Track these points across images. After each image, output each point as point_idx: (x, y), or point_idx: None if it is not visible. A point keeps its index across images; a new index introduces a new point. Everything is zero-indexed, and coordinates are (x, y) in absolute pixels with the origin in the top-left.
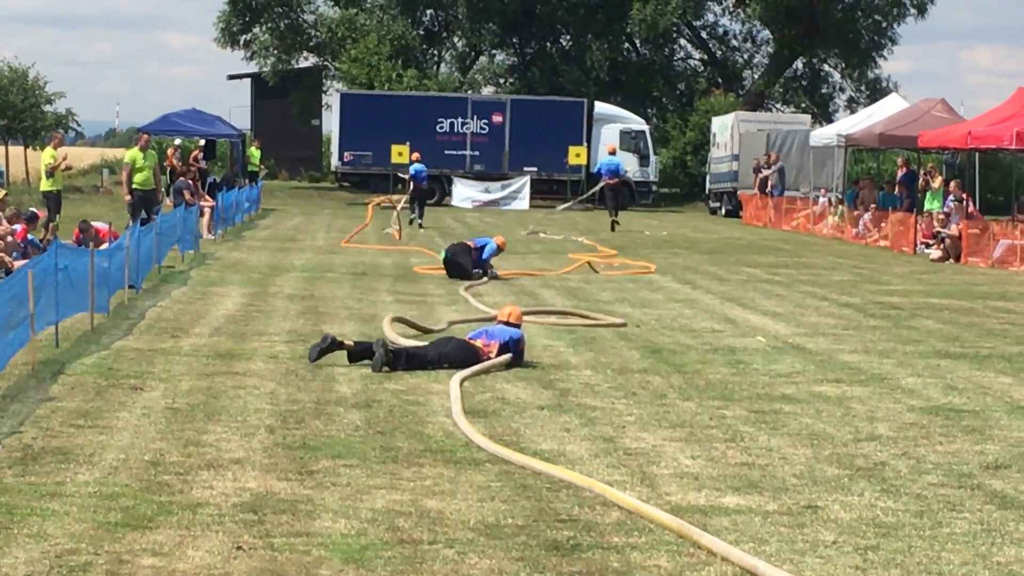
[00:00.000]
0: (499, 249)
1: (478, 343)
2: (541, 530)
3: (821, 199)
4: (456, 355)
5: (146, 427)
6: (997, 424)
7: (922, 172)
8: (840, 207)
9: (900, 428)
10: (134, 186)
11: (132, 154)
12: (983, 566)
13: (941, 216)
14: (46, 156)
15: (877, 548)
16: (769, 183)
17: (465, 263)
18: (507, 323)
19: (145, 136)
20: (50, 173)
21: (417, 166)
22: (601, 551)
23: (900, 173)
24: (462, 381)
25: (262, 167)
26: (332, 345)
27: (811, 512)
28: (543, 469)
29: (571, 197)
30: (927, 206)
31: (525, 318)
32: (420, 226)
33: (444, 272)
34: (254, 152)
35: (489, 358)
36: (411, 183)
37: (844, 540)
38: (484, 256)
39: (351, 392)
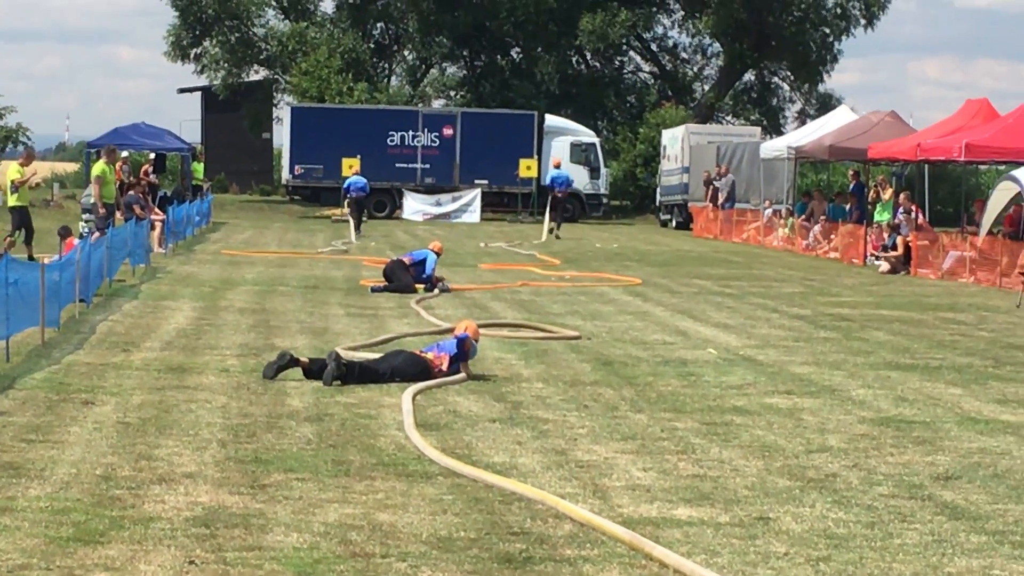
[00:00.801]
0: (438, 256)
1: (429, 355)
2: (493, 543)
3: (767, 211)
4: (408, 369)
5: (98, 441)
6: (948, 435)
7: (872, 184)
8: (790, 219)
9: (851, 439)
10: (103, 199)
11: (101, 167)
12: None
13: (889, 227)
14: (12, 172)
15: (829, 559)
16: (720, 196)
17: (404, 280)
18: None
19: (114, 149)
20: (15, 188)
21: (353, 178)
22: (553, 564)
23: (851, 185)
24: (414, 395)
25: (206, 181)
26: (289, 362)
27: (763, 524)
28: (495, 482)
29: (522, 210)
30: (877, 218)
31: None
32: (358, 236)
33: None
34: (197, 167)
35: (440, 370)
36: (346, 195)
37: (796, 551)
38: (427, 271)
39: (303, 406)
